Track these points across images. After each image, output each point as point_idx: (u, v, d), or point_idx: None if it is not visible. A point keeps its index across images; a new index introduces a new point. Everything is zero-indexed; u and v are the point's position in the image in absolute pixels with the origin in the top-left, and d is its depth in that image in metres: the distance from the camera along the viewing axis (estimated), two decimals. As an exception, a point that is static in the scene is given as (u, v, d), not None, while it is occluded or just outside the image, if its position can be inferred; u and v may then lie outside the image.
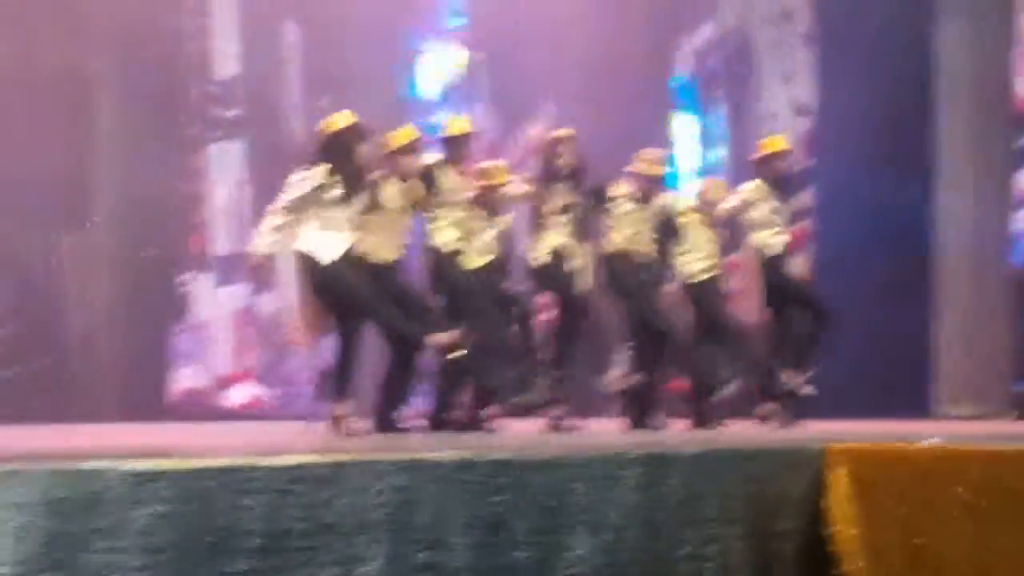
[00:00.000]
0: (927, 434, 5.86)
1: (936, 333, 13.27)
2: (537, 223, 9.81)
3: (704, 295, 10.36)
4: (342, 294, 8.35)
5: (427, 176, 9.22)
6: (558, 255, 9.72)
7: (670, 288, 10.17)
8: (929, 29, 13.44)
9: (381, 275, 8.59)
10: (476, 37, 18.68)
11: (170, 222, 18.47)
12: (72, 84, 17.63)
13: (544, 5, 17.47)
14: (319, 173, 8.26)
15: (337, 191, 8.26)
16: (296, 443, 6.99)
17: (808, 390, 10.33)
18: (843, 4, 14.12)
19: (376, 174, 8.79)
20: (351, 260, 8.37)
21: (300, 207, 8.24)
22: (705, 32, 16.10)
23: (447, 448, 4.90)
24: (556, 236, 9.73)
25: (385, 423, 8.82)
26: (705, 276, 10.42)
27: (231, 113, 18.69)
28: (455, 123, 9.78)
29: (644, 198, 9.99)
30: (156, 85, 17.92)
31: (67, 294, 17.80)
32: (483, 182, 9.78)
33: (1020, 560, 4.69)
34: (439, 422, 9.31)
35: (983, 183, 13.22)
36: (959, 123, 13.37)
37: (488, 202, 9.77)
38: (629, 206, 9.98)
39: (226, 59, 18.76)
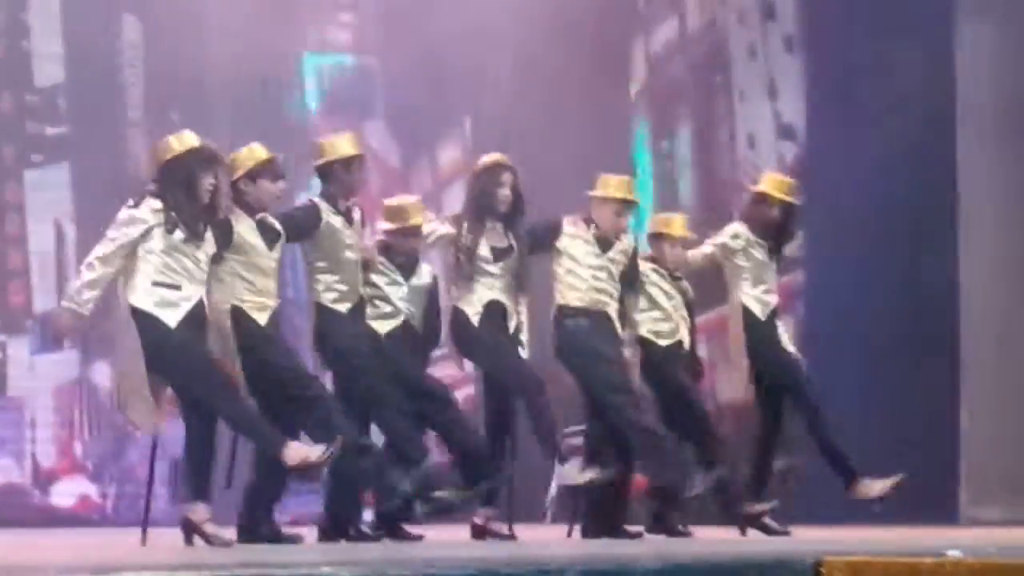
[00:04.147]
0: (945, 544, 6.00)
1: (962, 427, 13.36)
2: (461, 274, 9.72)
3: (663, 367, 10.39)
4: (187, 371, 8.38)
5: (299, 214, 9.24)
6: (491, 313, 9.68)
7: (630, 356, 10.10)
8: (948, 34, 13.33)
9: (251, 339, 8.59)
10: (369, 37, 18.66)
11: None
12: None
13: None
14: (151, 210, 8.31)
15: (178, 233, 8.28)
16: (143, 557, 7.06)
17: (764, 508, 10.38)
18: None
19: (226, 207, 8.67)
20: (198, 321, 8.37)
21: (128, 254, 8.27)
22: (666, 32, 16.14)
23: (407, 560, 5.00)
24: (487, 290, 9.70)
25: (253, 531, 8.89)
26: (665, 342, 10.45)
27: (54, 131, 18.63)
28: (336, 143, 9.43)
29: (604, 239, 9.92)
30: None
31: None
32: (390, 225, 9.81)
33: None
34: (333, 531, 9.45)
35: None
36: (985, 148, 13.45)
37: (397, 251, 9.78)
38: (586, 249, 9.91)
39: (47, 62, 18.69)
